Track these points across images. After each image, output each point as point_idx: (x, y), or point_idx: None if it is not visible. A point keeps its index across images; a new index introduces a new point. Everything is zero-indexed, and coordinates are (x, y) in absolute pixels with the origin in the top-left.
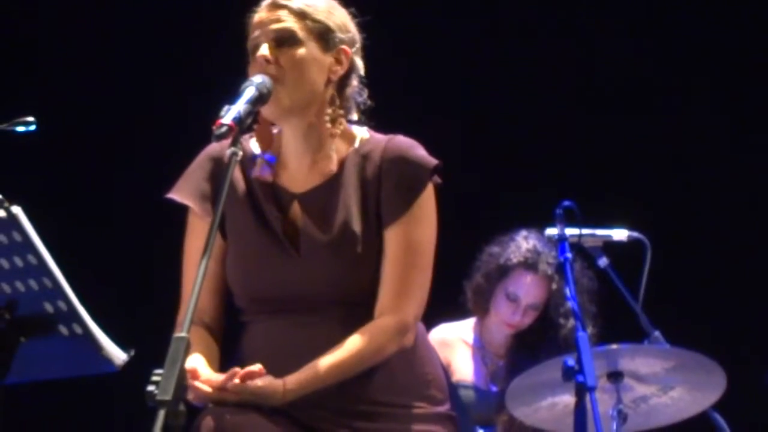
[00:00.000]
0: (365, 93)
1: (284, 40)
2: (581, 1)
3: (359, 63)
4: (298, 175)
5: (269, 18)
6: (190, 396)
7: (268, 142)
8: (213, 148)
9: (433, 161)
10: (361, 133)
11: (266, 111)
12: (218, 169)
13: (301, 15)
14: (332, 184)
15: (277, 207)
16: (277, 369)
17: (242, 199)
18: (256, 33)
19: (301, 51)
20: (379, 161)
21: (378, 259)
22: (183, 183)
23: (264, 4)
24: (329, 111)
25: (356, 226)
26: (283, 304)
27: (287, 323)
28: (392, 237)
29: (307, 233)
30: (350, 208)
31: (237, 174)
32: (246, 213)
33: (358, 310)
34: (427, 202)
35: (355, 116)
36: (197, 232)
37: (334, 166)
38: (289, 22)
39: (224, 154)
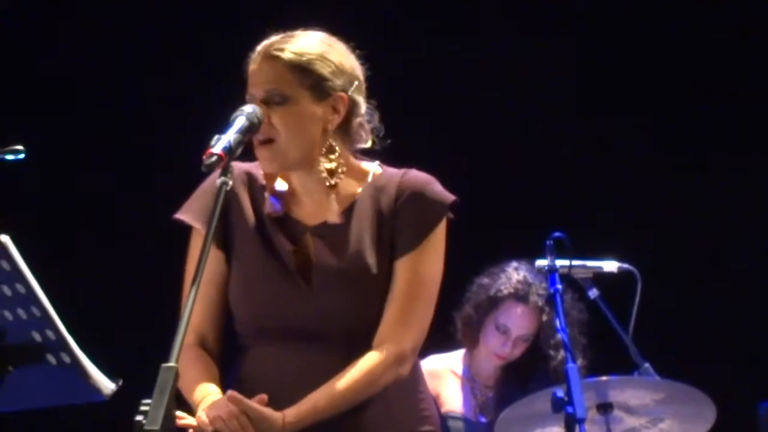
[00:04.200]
0: (375, 118)
1: (275, 101)
2: (565, 37)
3: (360, 100)
4: (311, 208)
5: (261, 75)
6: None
7: (273, 174)
8: None
9: (450, 197)
10: (374, 168)
11: (265, 167)
12: (228, 192)
13: (294, 67)
14: (346, 218)
15: (290, 239)
16: (280, 397)
17: (251, 229)
18: (250, 88)
19: (293, 108)
20: (395, 193)
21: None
22: (191, 203)
23: (257, 51)
24: (325, 164)
25: (370, 257)
26: (290, 333)
27: (293, 352)
28: (401, 268)
29: (319, 266)
30: (364, 239)
31: (246, 202)
32: (255, 243)
33: (366, 342)
34: (439, 236)
35: (368, 143)
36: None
37: (347, 201)
38: (280, 80)
39: (234, 176)
